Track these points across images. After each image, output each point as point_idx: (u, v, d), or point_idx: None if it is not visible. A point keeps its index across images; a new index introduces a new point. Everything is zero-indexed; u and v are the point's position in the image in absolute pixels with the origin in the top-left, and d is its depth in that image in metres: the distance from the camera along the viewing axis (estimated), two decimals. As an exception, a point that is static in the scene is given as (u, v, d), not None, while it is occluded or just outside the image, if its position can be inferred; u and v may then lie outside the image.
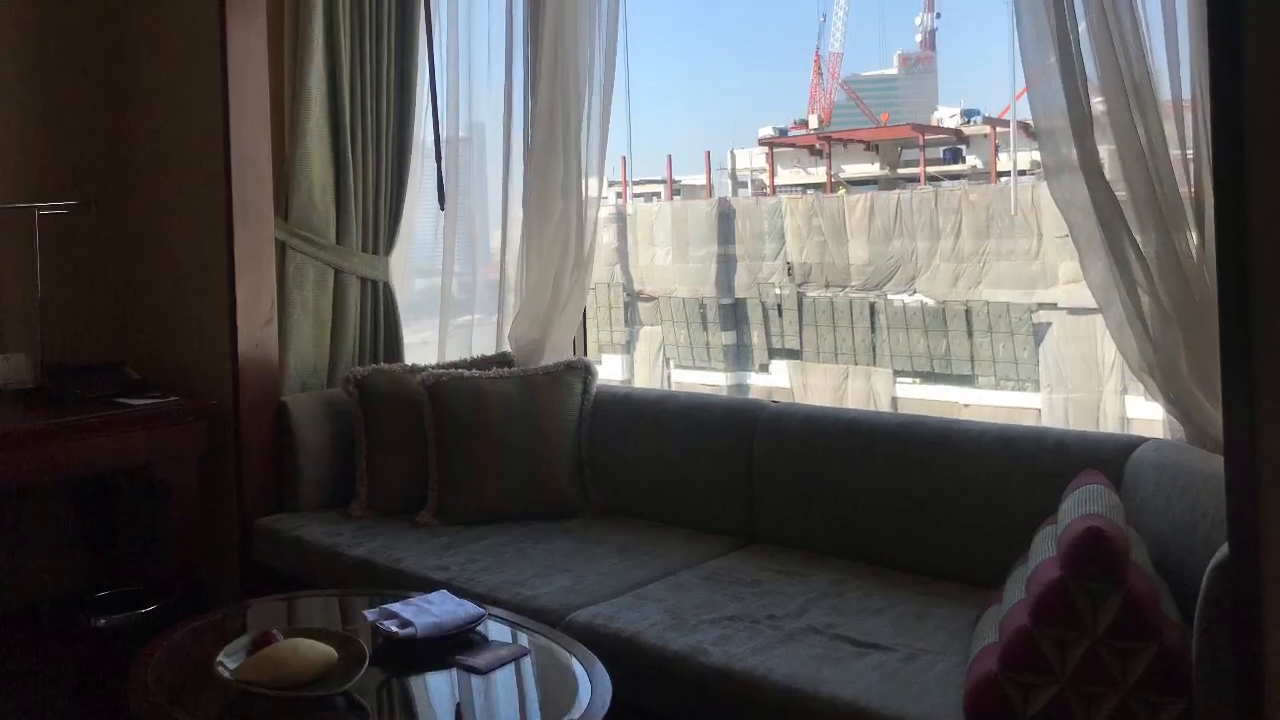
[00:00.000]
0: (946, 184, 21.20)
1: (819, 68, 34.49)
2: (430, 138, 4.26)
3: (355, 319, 4.18)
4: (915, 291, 17.29)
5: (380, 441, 3.86)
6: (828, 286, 18.21)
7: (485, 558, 3.34)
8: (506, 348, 4.22)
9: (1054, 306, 15.65)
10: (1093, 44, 2.78)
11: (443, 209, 4.28)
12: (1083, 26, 2.80)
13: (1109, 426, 13.84)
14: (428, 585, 3.08)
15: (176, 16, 4.09)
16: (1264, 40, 1.76)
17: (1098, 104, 2.81)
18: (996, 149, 21.65)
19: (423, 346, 4.55)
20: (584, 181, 4.03)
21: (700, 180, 25.98)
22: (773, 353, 18.78)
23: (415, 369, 3.97)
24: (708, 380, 18.81)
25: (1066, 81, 2.83)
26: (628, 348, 19.83)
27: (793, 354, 18.45)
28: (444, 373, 3.84)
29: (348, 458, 3.94)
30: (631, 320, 20.09)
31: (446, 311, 4.48)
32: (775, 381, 18.33)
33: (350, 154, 4.08)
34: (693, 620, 2.79)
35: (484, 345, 4.42)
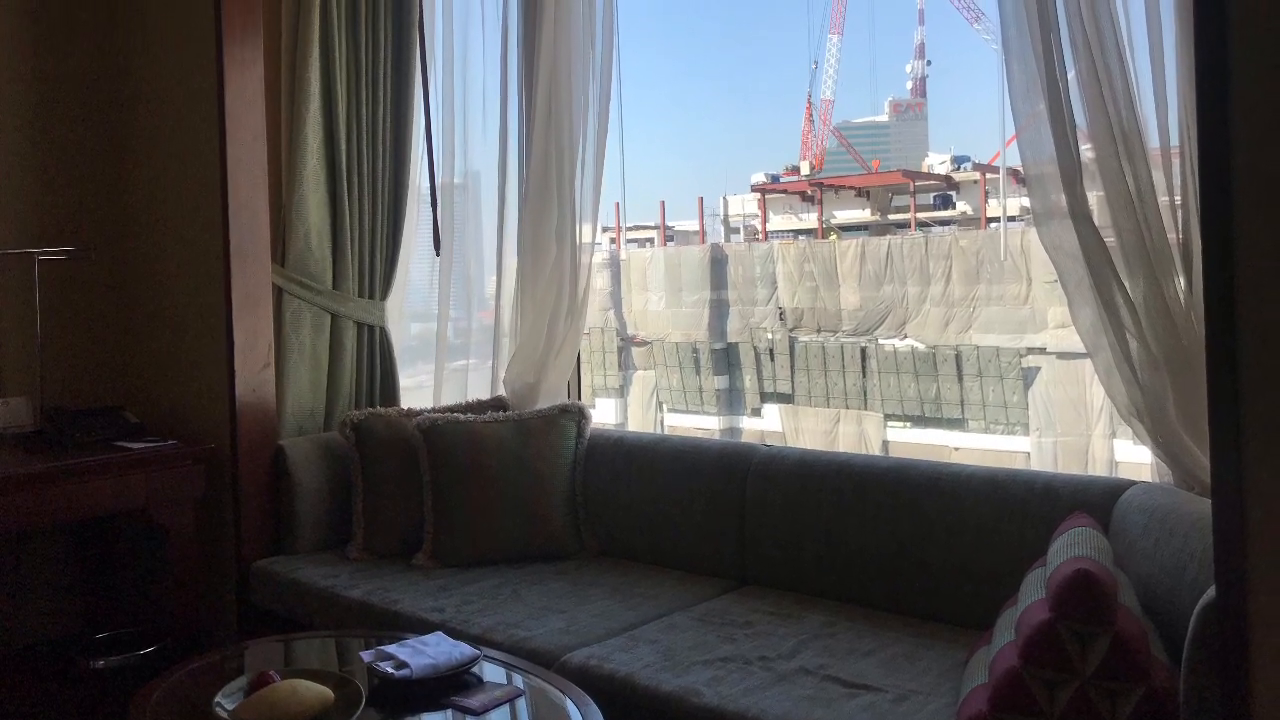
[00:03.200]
0: (937, 230, 21.35)
1: (811, 114, 34.78)
2: (426, 184, 4.31)
3: (351, 363, 4.20)
4: (906, 336, 17.34)
5: (377, 485, 3.88)
6: (819, 331, 18.26)
7: (480, 599, 3.35)
8: (501, 392, 4.26)
9: (1043, 351, 15.70)
10: (1081, 92, 2.83)
11: (438, 254, 4.33)
12: (1071, 75, 2.85)
13: (1097, 470, 13.86)
14: (424, 626, 3.10)
15: (175, 65, 4.14)
16: (1250, 89, 1.80)
17: (1086, 151, 2.86)
18: (986, 195, 21.80)
19: (419, 390, 4.57)
20: (578, 227, 4.07)
21: (693, 226, 26.12)
22: (765, 397, 18.78)
23: (411, 413, 4.00)
24: (700, 424, 18.82)
25: (1055, 129, 2.88)
26: (621, 391, 19.84)
27: (784, 398, 18.47)
28: (440, 416, 3.86)
29: (344, 500, 3.96)
30: (625, 364, 20.11)
31: (442, 356, 4.52)
32: (767, 425, 18.35)
33: (346, 200, 4.12)
34: (686, 661, 2.81)
35: (479, 389, 4.46)
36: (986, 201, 21.72)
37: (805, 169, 29.64)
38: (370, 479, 3.89)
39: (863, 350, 17.61)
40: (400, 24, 4.23)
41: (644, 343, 19.96)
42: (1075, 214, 2.86)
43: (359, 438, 3.90)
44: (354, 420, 3.93)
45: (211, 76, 3.95)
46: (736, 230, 26.20)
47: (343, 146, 4.09)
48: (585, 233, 4.10)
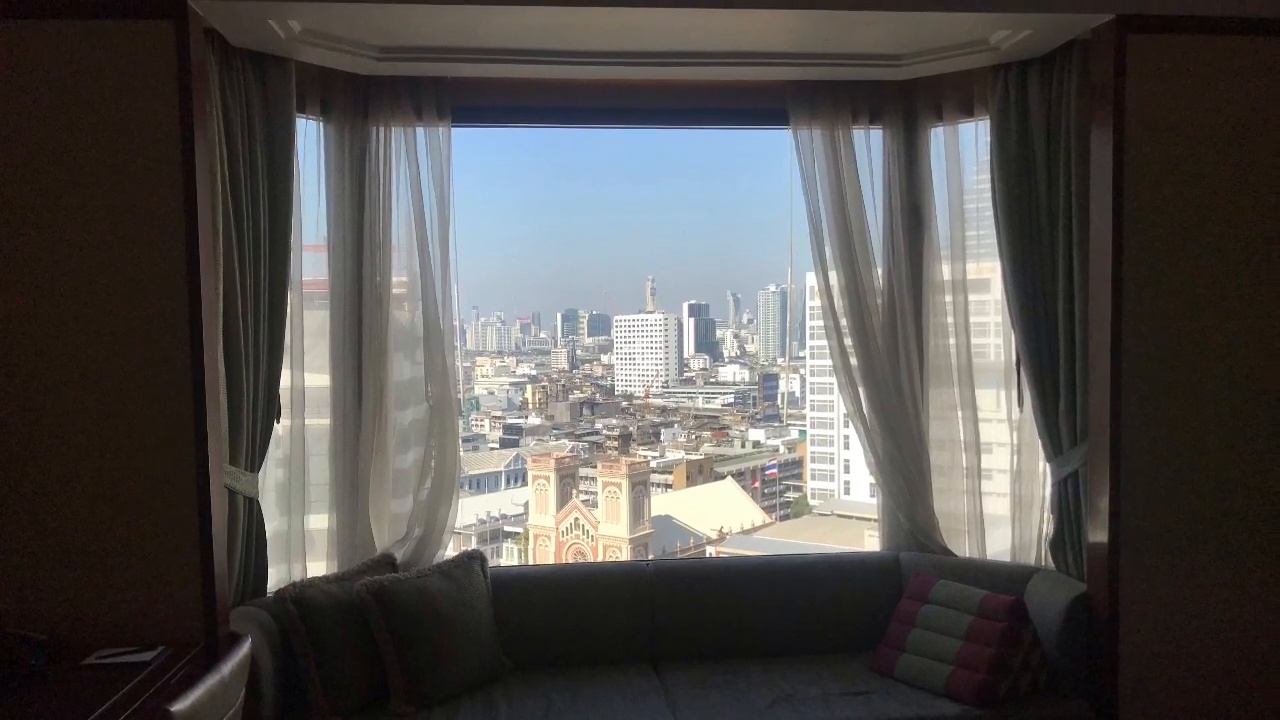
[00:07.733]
0: None
1: None
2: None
3: (241, 538, 4.07)
4: None
5: (327, 650, 4.02)
6: None
7: (535, 711, 4.03)
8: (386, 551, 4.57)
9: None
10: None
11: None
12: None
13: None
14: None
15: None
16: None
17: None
18: None
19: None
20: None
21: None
22: None
23: (316, 581, 4.22)
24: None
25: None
26: None
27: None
28: (385, 579, 4.17)
29: (281, 673, 4.01)
30: None
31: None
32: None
33: (244, 370, 4.05)
34: (761, 706, 4.09)
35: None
36: None
37: None
38: (320, 645, 4.01)
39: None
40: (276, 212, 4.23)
41: None
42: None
43: (302, 610, 4.00)
44: (293, 594, 4.02)
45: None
46: None
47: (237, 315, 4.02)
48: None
